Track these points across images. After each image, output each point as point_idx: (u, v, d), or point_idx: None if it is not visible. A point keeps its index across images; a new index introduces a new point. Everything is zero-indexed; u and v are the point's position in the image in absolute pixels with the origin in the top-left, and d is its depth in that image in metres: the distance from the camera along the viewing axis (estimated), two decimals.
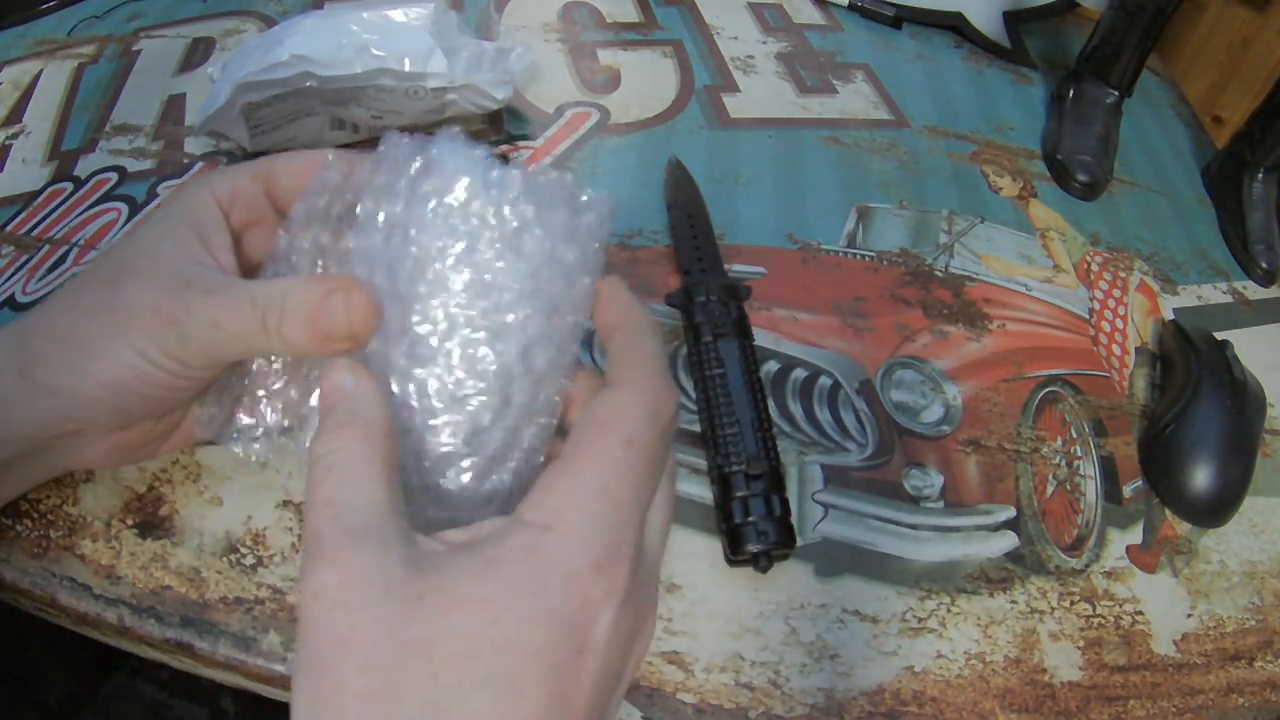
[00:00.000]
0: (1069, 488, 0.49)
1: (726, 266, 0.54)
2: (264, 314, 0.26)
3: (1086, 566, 0.46)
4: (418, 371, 0.26)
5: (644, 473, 0.22)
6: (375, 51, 0.54)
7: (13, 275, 0.50)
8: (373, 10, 0.56)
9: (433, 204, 0.26)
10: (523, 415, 0.26)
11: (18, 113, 0.60)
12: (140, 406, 0.31)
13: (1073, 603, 0.44)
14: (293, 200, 0.31)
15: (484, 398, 0.26)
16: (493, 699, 0.18)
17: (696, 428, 0.46)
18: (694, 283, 0.50)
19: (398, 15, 0.56)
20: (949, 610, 0.43)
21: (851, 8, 0.80)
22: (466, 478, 0.27)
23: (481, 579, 0.19)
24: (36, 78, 0.63)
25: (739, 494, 0.41)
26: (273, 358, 0.33)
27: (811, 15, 0.79)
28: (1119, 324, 0.58)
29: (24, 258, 0.51)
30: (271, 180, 0.32)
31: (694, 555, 0.43)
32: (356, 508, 0.21)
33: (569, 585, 0.20)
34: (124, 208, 0.54)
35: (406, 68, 0.54)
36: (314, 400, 0.32)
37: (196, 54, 0.65)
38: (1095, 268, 0.61)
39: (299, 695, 0.21)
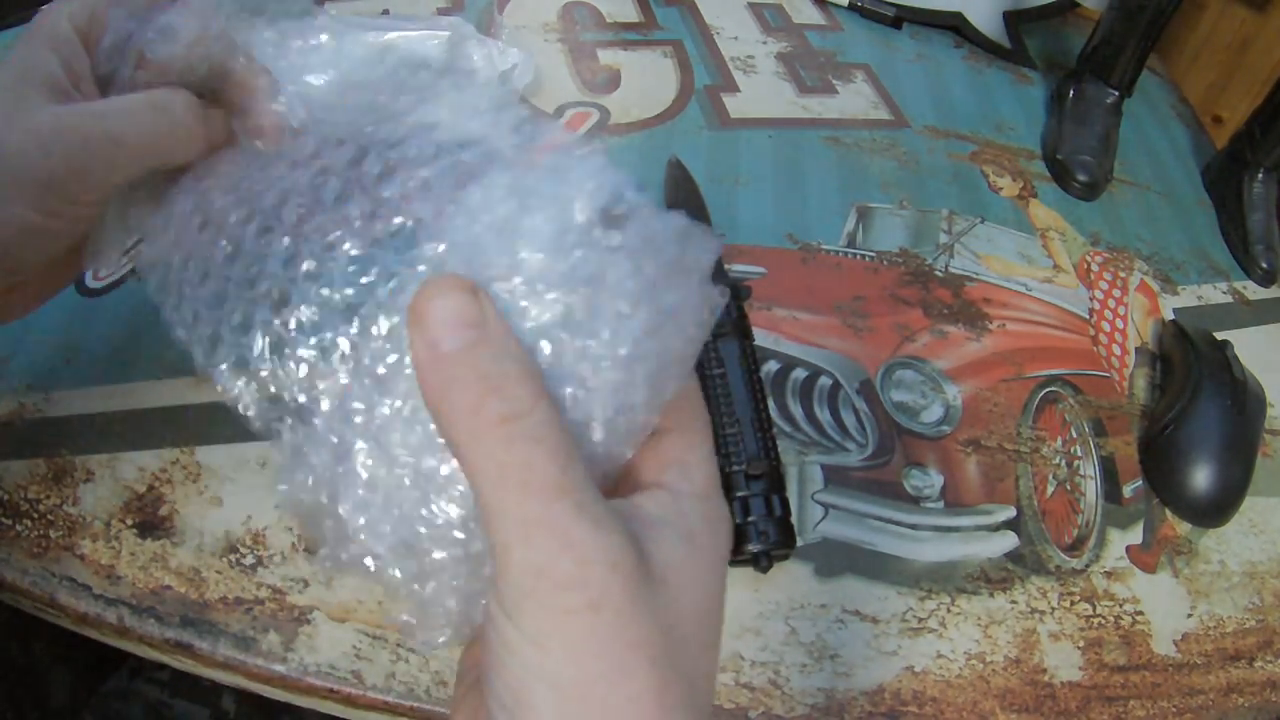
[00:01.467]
0: (1069, 488, 0.49)
1: (726, 266, 0.54)
2: (116, 138, 0.26)
3: (1086, 566, 0.46)
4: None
5: None
6: None
7: None
8: (385, 31, 0.56)
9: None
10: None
11: None
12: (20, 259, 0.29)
13: (1073, 603, 0.44)
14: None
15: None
16: (710, 658, 0.20)
17: None
18: None
19: (412, 38, 0.56)
20: (949, 610, 0.43)
21: (851, 8, 0.80)
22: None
23: (690, 554, 0.20)
24: None
25: (739, 494, 0.41)
26: None
27: (811, 15, 0.79)
28: (1119, 324, 0.58)
29: None
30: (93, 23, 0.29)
31: None
32: (590, 493, 0.18)
33: (728, 541, 0.22)
34: None
35: None
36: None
37: None
38: (1095, 268, 0.61)
39: (564, 717, 0.18)
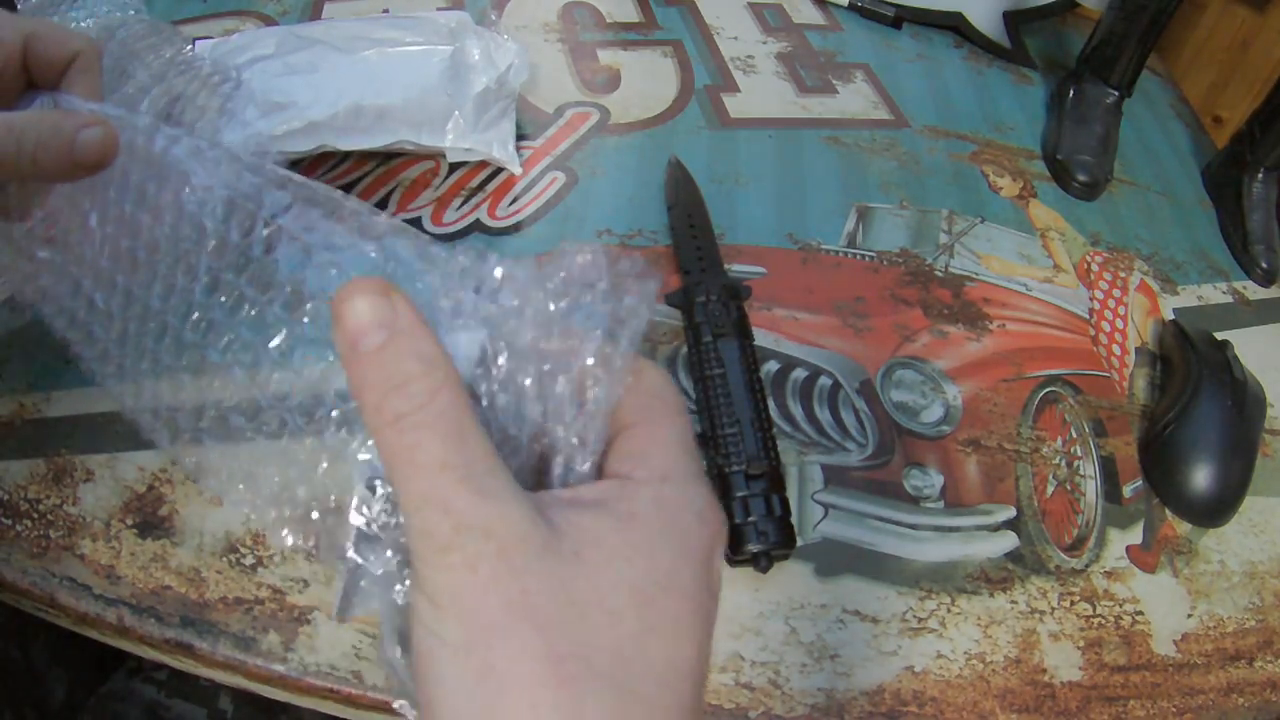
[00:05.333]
0: (1069, 488, 0.49)
1: (726, 266, 0.54)
2: (19, 139, 0.29)
3: (1086, 566, 0.46)
4: None
5: (689, 428, 0.24)
6: (391, 121, 0.54)
7: None
8: (387, 46, 0.56)
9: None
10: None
11: None
12: None
13: (1073, 603, 0.44)
14: (47, 68, 0.33)
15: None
16: (664, 644, 0.19)
17: (697, 428, 0.46)
18: (694, 283, 0.50)
19: (413, 53, 0.56)
20: (949, 610, 0.43)
21: (851, 8, 0.80)
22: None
23: (627, 530, 0.20)
24: None
25: (739, 494, 0.41)
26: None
27: (811, 15, 0.79)
28: (1119, 324, 0.58)
29: None
30: (32, 40, 0.32)
31: None
32: (479, 467, 0.20)
33: (698, 527, 0.21)
34: None
35: (423, 140, 0.55)
36: None
37: None
38: (1095, 268, 0.61)
39: (457, 678, 0.19)
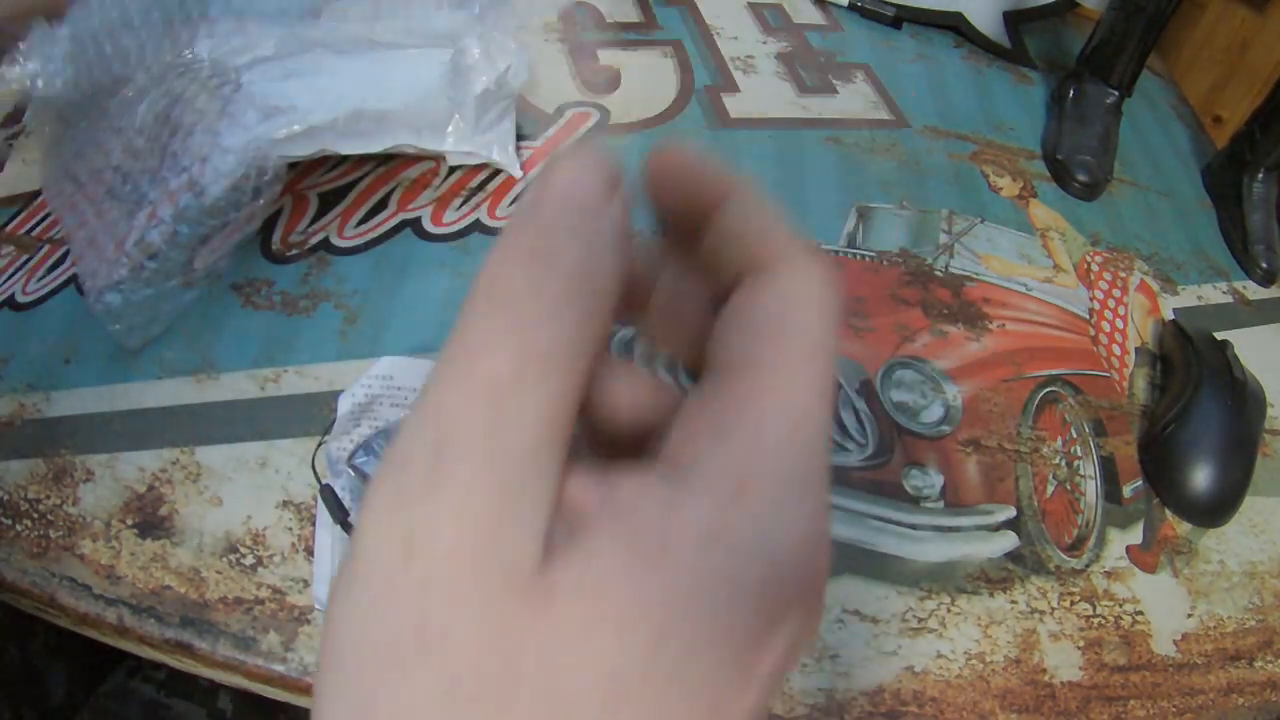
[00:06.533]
0: (1069, 488, 0.49)
1: None
2: None
3: (1086, 566, 0.46)
4: None
5: (830, 393, 0.15)
6: (392, 125, 0.54)
7: (13, 275, 0.50)
8: (388, 52, 0.56)
9: None
10: None
11: (18, 113, 0.60)
12: None
13: (1073, 603, 0.44)
14: None
15: None
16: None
17: None
18: None
19: (414, 56, 0.56)
20: (949, 610, 0.43)
21: (851, 8, 0.80)
22: None
23: (646, 573, 0.13)
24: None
25: None
26: None
27: (811, 15, 0.79)
28: (1119, 324, 0.58)
29: (24, 258, 0.51)
30: None
31: None
32: (531, 410, 0.13)
33: (762, 588, 0.13)
34: None
35: (423, 144, 0.55)
36: None
37: None
38: (1095, 268, 0.61)
39: (332, 700, 0.12)
